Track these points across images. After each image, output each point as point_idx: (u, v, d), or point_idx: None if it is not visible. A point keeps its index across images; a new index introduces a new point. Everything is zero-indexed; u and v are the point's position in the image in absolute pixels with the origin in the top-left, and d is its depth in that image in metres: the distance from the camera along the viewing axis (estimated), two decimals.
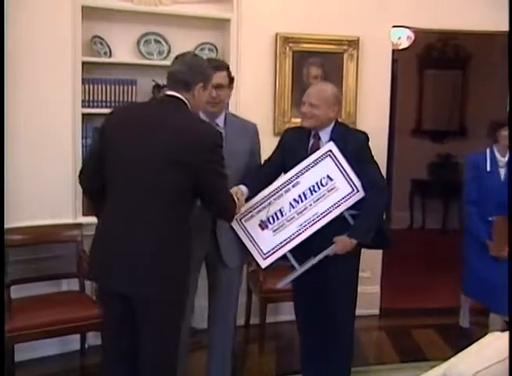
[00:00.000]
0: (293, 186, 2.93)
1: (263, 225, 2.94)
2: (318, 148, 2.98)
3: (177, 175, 2.33)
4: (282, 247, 2.94)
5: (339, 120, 3.13)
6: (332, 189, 2.91)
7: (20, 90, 3.44)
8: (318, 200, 2.91)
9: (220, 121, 2.94)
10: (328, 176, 2.91)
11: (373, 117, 4.30)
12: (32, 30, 3.44)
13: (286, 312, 4.15)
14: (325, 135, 2.99)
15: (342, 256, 2.90)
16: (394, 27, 4.31)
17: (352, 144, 2.93)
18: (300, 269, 2.97)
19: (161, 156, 2.32)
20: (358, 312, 4.10)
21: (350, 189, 2.91)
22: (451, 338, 4.05)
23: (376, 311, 4.52)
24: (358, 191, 2.91)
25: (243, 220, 2.94)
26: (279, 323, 4.19)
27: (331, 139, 2.96)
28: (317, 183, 2.92)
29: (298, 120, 4.08)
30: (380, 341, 4.12)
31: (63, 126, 3.54)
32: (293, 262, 2.97)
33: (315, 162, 2.91)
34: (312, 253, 2.94)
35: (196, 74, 2.44)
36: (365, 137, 3.01)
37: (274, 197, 2.93)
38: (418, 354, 3.87)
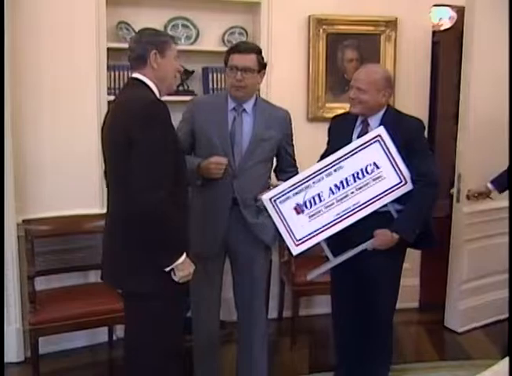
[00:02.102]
0: (335, 171, 2.73)
1: (299, 209, 2.77)
2: None
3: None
4: (317, 234, 2.78)
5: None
6: (378, 177, 2.71)
7: (44, 78, 3.38)
8: (361, 188, 2.72)
9: (248, 106, 2.81)
10: (375, 163, 2.70)
11: (412, 102, 4.07)
12: (56, 17, 3.37)
13: (320, 305, 4.03)
14: (374, 121, 2.80)
15: (385, 251, 2.72)
16: (434, 5, 4.07)
17: (405, 132, 2.72)
18: (333, 261, 2.81)
19: (110, 142, 2.30)
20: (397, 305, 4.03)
21: (398, 180, 2.70)
22: (495, 336, 3.83)
23: (416, 304, 4.33)
24: (406, 183, 2.69)
25: (277, 201, 2.77)
26: (313, 317, 4.06)
27: (381, 125, 2.76)
28: (362, 170, 2.71)
29: (333, 105, 3.99)
30: (418, 337, 3.93)
31: (88, 114, 3.47)
32: (327, 252, 2.82)
33: (362, 147, 2.71)
34: (350, 246, 2.78)
35: (146, 44, 2.30)
36: (420, 124, 2.81)
37: (314, 179, 2.74)
38: (459, 352, 3.68)
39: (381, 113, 2.79)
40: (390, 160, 2.69)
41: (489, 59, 3.68)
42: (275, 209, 2.78)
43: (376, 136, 2.69)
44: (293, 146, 2.97)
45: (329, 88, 3.99)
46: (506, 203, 3.64)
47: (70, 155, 3.46)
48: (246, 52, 2.72)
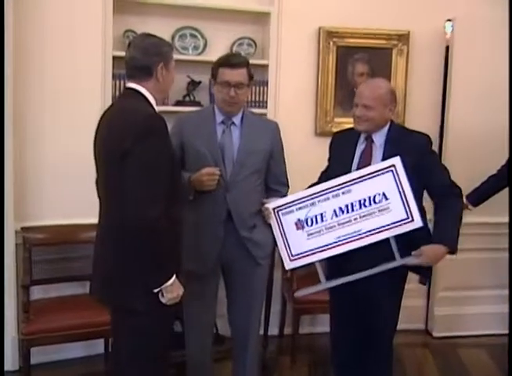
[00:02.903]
0: (343, 193, 2.63)
1: (299, 225, 2.71)
2: (370, 153, 2.70)
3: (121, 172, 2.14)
4: (312, 254, 2.71)
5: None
6: (384, 209, 2.59)
7: (47, 85, 3.37)
8: (365, 216, 2.61)
9: (237, 119, 2.77)
10: (384, 194, 2.58)
11: (424, 117, 3.99)
12: (61, 24, 3.35)
13: (323, 324, 3.88)
14: (379, 137, 2.69)
15: (388, 274, 2.61)
16: (448, 20, 3.98)
17: (412, 148, 2.61)
18: (325, 285, 2.75)
19: (103, 152, 2.24)
20: (403, 326, 3.93)
21: (404, 216, 2.56)
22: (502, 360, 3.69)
23: (422, 326, 4.22)
24: (412, 220, 2.56)
25: (280, 213, 2.73)
26: (316, 335, 3.96)
27: (386, 141, 2.67)
28: (369, 198, 2.60)
29: (342, 119, 3.91)
30: (423, 360, 3.82)
31: (92, 123, 3.34)
32: (320, 274, 2.74)
33: (375, 174, 2.59)
34: (346, 273, 2.67)
35: (154, 56, 2.23)
36: (426, 140, 2.69)
37: (319, 198, 2.66)
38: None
39: (386, 128, 2.70)
40: (400, 194, 2.57)
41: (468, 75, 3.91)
42: (277, 220, 2.74)
43: (390, 166, 2.57)
44: (283, 162, 2.89)
45: (339, 102, 3.92)
46: (487, 218, 3.87)
47: (71, 164, 3.42)
48: (238, 67, 2.66)
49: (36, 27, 3.29)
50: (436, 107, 4.06)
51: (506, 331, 3.80)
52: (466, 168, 3.71)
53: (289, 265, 2.77)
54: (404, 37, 3.92)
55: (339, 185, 2.64)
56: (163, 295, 2.19)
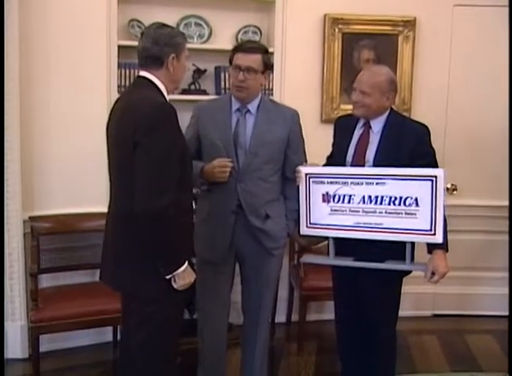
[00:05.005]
0: (377, 184, 2.61)
1: (326, 198, 2.71)
2: (367, 139, 2.69)
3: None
4: (329, 229, 2.73)
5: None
6: (411, 213, 2.57)
7: (53, 75, 3.38)
8: (390, 213, 2.60)
9: (253, 107, 2.73)
10: (416, 199, 2.56)
11: (430, 104, 3.99)
12: (66, 14, 3.36)
13: (330, 311, 3.87)
14: (377, 124, 2.69)
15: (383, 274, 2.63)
16: (455, 6, 3.95)
17: (409, 137, 2.61)
18: (331, 260, 2.78)
19: (115, 141, 2.26)
20: (411, 313, 3.93)
21: (428, 227, 2.55)
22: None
23: (429, 313, 4.23)
24: (434, 234, 2.55)
25: (311, 180, 2.72)
26: (323, 322, 3.97)
27: (384, 128, 2.67)
28: (401, 198, 2.58)
29: (348, 106, 3.85)
30: (430, 347, 3.82)
31: (98, 112, 3.42)
32: (331, 250, 2.76)
33: (415, 178, 2.56)
34: (355, 255, 2.70)
35: (165, 47, 2.24)
36: (425, 130, 2.66)
37: (354, 180, 2.65)
38: (471, 363, 3.57)
39: (384, 116, 2.69)
40: (432, 205, 2.54)
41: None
42: (306, 185, 2.73)
43: (432, 176, 2.54)
44: (302, 152, 2.86)
45: (344, 89, 3.90)
46: (475, 201, 4.04)
47: (78, 152, 3.44)
48: (250, 52, 2.65)
49: (40, 18, 3.30)
50: (442, 94, 4.03)
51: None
52: (466, 154, 3.86)
53: (304, 231, 2.78)
54: (410, 24, 3.90)
55: (377, 175, 2.62)
56: (175, 281, 2.21)
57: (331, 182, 2.69)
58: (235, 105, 2.73)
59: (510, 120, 3.68)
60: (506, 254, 3.93)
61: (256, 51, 2.67)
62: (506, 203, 3.81)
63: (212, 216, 2.75)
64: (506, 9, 3.70)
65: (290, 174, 2.79)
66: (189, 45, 3.56)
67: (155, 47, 2.24)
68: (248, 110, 2.73)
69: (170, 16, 3.64)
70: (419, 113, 3.84)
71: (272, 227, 2.77)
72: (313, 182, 2.72)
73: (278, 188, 2.82)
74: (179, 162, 2.18)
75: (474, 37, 3.95)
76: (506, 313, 3.95)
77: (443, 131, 3.99)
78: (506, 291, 4.02)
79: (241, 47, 2.69)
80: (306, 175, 2.72)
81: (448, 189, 3.98)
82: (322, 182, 2.71)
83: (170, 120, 2.16)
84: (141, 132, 2.11)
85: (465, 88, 3.99)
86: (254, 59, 2.65)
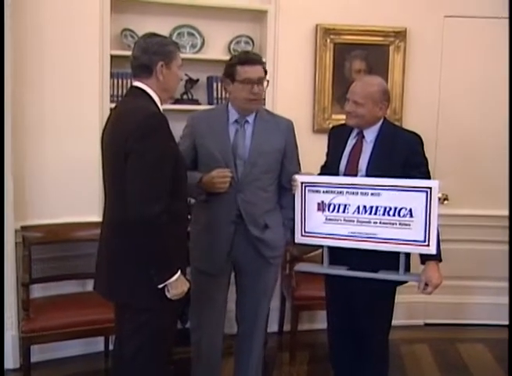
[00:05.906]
0: (372, 194, 2.64)
1: (321, 207, 2.73)
2: (360, 149, 2.72)
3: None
4: (323, 238, 2.75)
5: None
6: (405, 224, 2.60)
7: (46, 84, 3.38)
8: (385, 224, 2.63)
9: (250, 117, 2.74)
10: (410, 210, 2.59)
11: (421, 114, 4.02)
12: (59, 23, 3.36)
13: (322, 320, 3.89)
14: (370, 134, 2.71)
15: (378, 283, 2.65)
16: (446, 17, 3.99)
17: (401, 146, 2.64)
18: (325, 269, 2.79)
19: (109, 150, 2.27)
20: (402, 322, 3.93)
21: (421, 238, 2.58)
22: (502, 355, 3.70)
23: (421, 322, 4.24)
24: (427, 245, 2.58)
25: (307, 188, 2.74)
26: (315, 331, 3.96)
27: (377, 138, 2.70)
28: (395, 209, 2.61)
29: (339, 116, 3.90)
30: (422, 355, 3.82)
31: (91, 122, 3.45)
32: (325, 257, 2.77)
33: (409, 188, 2.58)
34: (349, 265, 2.72)
35: (153, 55, 2.24)
36: (417, 139, 2.68)
37: (349, 190, 2.67)
38: (463, 372, 3.57)
39: (377, 126, 2.71)
40: (426, 216, 2.57)
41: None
42: (302, 194, 2.76)
43: (427, 187, 2.57)
44: (297, 162, 2.88)
45: (336, 99, 3.93)
46: (468, 211, 4.06)
47: (71, 162, 3.44)
48: (256, 63, 2.66)
49: (34, 26, 3.30)
50: (433, 104, 4.07)
51: (501, 322, 3.85)
52: (457, 164, 3.89)
53: (299, 239, 2.80)
54: (401, 34, 3.93)
55: (371, 185, 2.65)
56: (168, 291, 2.21)
57: (327, 192, 2.72)
58: (232, 116, 2.73)
59: (510, 128, 3.70)
60: (498, 264, 3.98)
61: (260, 61, 2.71)
62: (498, 212, 3.85)
63: (211, 226, 2.74)
64: (497, 20, 3.75)
65: (286, 183, 2.80)
66: (181, 55, 3.61)
67: (144, 56, 2.25)
68: (247, 121, 2.74)
69: (163, 26, 3.67)
70: (410, 123, 3.85)
71: (270, 236, 2.78)
72: (309, 190, 2.74)
73: (275, 197, 2.84)
74: (172, 169, 2.18)
75: (464, 48, 4.01)
76: (498, 322, 4.02)
77: (434, 140, 4.02)
78: (497, 300, 4.07)
79: (246, 60, 2.65)
80: (302, 183, 2.75)
81: (439, 198, 4.00)
82: (318, 191, 2.73)
83: (162, 127, 2.17)
84: (133, 140, 2.11)
85: (456, 98, 4.03)
86: (261, 70, 2.67)
